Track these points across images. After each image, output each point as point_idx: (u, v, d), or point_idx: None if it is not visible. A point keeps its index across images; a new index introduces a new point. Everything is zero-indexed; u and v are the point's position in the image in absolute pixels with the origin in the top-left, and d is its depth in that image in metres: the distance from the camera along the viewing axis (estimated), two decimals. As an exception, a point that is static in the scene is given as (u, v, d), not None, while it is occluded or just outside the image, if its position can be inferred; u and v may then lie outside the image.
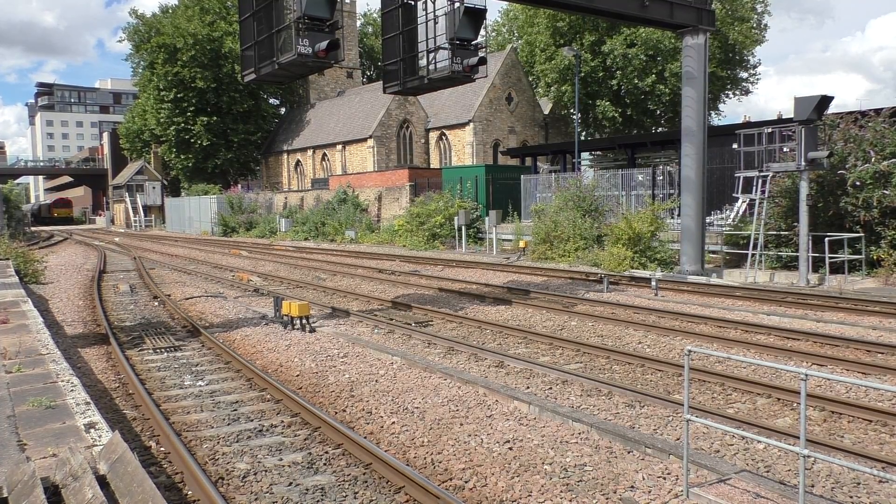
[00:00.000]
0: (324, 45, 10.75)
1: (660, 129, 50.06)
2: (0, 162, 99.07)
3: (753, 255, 17.95)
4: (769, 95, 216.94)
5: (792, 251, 17.74)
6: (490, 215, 28.95)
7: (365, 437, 6.76)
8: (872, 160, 16.60)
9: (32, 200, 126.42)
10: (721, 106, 53.09)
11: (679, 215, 20.94)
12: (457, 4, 12.49)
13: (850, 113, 18.84)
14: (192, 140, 61.90)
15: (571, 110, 48.24)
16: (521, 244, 25.87)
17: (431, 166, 51.46)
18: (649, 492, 5.50)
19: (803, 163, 16.30)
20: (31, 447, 5.30)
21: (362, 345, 10.98)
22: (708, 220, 20.90)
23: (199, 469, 5.78)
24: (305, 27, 10.70)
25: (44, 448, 5.26)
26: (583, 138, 44.59)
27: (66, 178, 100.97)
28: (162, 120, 61.63)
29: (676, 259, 19.97)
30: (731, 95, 52.39)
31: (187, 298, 16.80)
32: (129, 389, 8.73)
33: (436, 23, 12.90)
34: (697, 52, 18.22)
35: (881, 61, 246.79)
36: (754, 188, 18.24)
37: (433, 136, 54.92)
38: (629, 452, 6.31)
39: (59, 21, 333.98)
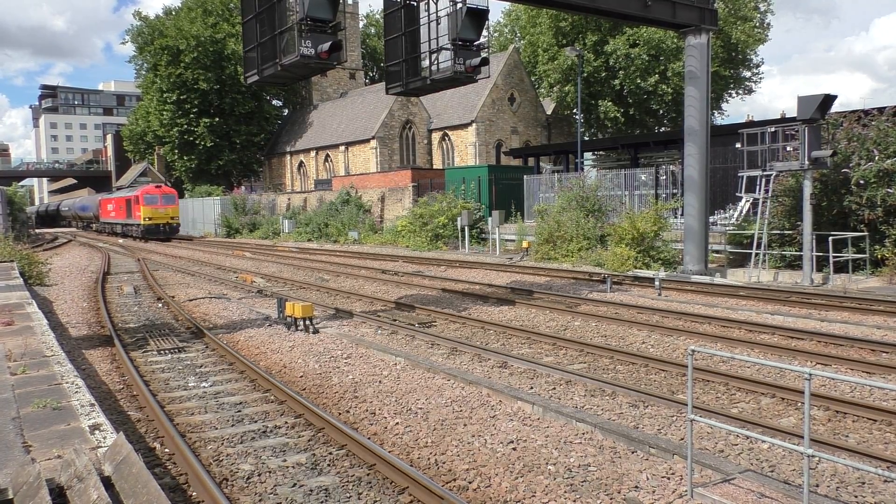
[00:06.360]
0: (326, 46, 10.75)
1: (662, 128, 50.00)
2: (4, 164, 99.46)
3: (757, 254, 17.91)
4: (773, 95, 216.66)
5: (796, 250, 17.70)
6: (493, 216, 28.94)
7: (369, 438, 6.77)
8: (876, 159, 16.56)
9: (37, 202, 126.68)
10: (724, 105, 53.06)
11: (682, 215, 20.91)
12: (459, 5, 12.49)
13: (854, 112, 18.80)
14: (196, 141, 62.01)
15: (574, 110, 48.19)
16: (524, 244, 25.85)
17: (434, 167, 51.47)
18: (653, 492, 5.50)
19: (807, 162, 16.27)
20: (36, 448, 5.32)
21: (366, 346, 10.98)
22: (711, 220, 20.88)
23: (204, 470, 5.80)
24: (308, 28, 10.71)
25: (49, 449, 5.27)
26: (586, 138, 44.59)
27: (70, 180, 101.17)
28: (165, 122, 61.76)
29: (680, 259, 19.94)
30: (735, 95, 52.37)
31: (191, 300, 16.82)
32: (134, 391, 8.75)
33: (438, 23, 12.89)
34: (700, 52, 18.21)
35: (885, 60, 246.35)
36: (758, 187, 18.21)
37: (436, 136, 54.93)
38: (633, 452, 6.31)
39: (68, 25, 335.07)
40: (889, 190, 16.20)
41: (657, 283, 16.11)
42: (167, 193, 49.17)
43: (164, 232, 47.65)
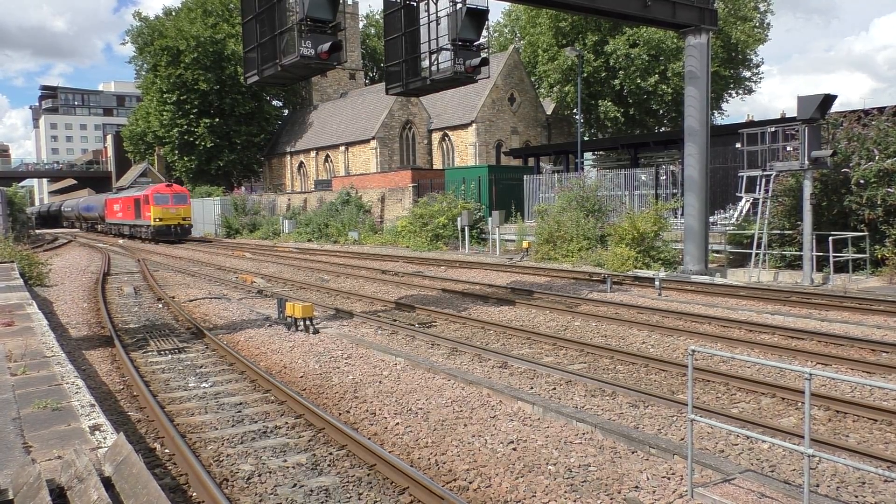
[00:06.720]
0: (326, 46, 10.76)
1: (663, 128, 50.01)
2: (4, 165, 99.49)
3: (757, 254, 17.91)
4: (773, 94, 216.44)
5: (796, 250, 17.70)
6: (493, 216, 28.95)
7: (369, 439, 6.77)
8: (876, 158, 16.56)
9: (37, 203, 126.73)
10: (724, 105, 53.09)
11: (682, 215, 20.92)
12: (459, 5, 12.50)
13: (854, 112, 18.80)
14: (196, 142, 62.04)
15: (574, 110, 48.20)
16: (524, 245, 25.86)
17: (434, 167, 51.48)
18: (654, 492, 5.50)
19: (807, 162, 16.27)
20: (37, 449, 5.32)
21: (366, 346, 10.98)
22: (711, 220, 20.89)
23: (204, 470, 5.80)
24: (308, 29, 10.72)
25: (49, 450, 5.27)
26: (586, 138, 44.59)
27: (71, 181, 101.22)
28: (165, 122, 61.79)
29: (680, 259, 19.95)
30: (735, 95, 52.39)
31: (191, 300, 16.82)
32: (134, 391, 8.75)
33: (438, 24, 12.90)
34: (700, 52, 18.21)
35: (885, 60, 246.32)
36: (758, 187, 18.21)
37: (436, 136, 54.93)
38: (633, 452, 6.31)
39: (69, 26, 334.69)
40: (889, 189, 16.20)
41: (657, 283, 16.11)
42: (178, 193, 45.74)
43: (176, 233, 44.39)
